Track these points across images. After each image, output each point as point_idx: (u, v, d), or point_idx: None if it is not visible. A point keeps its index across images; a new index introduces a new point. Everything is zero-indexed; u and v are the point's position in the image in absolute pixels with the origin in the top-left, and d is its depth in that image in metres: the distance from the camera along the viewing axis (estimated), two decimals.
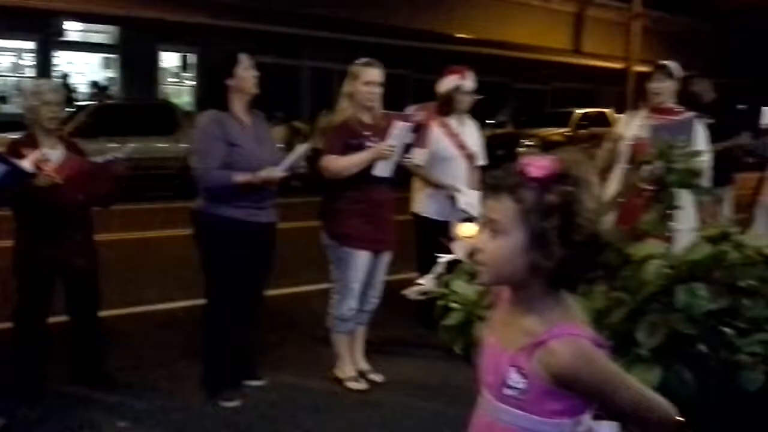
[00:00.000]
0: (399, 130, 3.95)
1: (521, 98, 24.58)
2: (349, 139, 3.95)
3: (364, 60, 4.05)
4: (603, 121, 18.00)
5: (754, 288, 1.74)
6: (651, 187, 1.97)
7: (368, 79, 3.96)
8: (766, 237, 2.09)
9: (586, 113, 19.70)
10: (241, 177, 3.65)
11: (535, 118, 21.33)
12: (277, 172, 3.71)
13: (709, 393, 1.66)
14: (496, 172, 1.37)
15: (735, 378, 1.64)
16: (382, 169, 3.96)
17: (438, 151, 4.81)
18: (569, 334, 1.32)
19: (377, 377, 4.20)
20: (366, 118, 4.01)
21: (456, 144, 4.87)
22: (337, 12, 18.24)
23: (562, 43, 25.45)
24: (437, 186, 4.85)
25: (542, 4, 24.85)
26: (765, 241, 1.86)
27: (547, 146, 18.79)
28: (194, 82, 18.66)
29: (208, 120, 3.76)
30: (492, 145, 21.64)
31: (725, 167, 5.38)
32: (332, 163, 3.94)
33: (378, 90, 4.00)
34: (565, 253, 1.30)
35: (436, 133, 4.85)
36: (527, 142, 18.53)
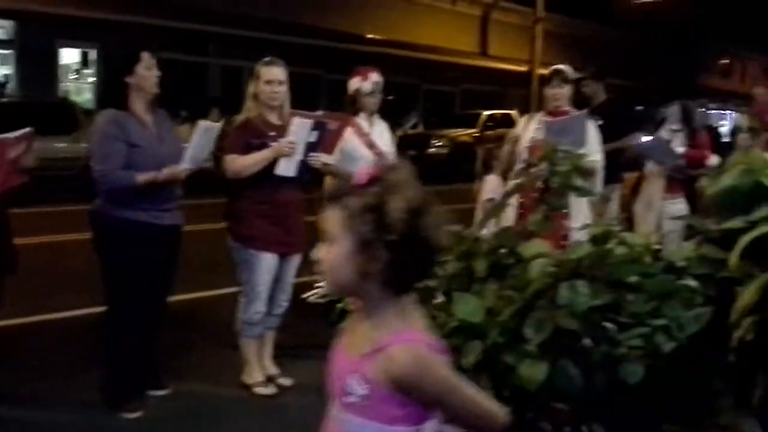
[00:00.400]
0: (297, 126, 3.91)
1: (431, 99, 24.96)
2: (251, 138, 3.91)
3: (266, 59, 4.03)
4: (509, 122, 18.48)
5: (636, 284, 1.85)
6: (538, 189, 2.06)
7: (269, 77, 3.95)
8: (649, 233, 2.22)
9: (492, 115, 20.24)
10: (143, 177, 3.56)
11: (444, 119, 21.75)
12: (181, 168, 3.63)
13: (593, 386, 1.75)
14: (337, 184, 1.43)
15: (617, 371, 1.74)
16: (285, 168, 3.92)
17: (348, 150, 4.83)
18: (407, 341, 1.35)
19: (286, 381, 4.19)
20: (272, 118, 3.99)
21: (366, 143, 4.90)
22: (248, 9, 17.99)
23: (469, 45, 25.96)
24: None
25: (449, 7, 25.29)
26: (645, 238, 1.98)
27: (456, 147, 19.37)
28: (95, 79, 17.97)
29: (106, 120, 3.65)
30: (403, 145, 21.94)
31: (615, 167, 5.65)
32: (233, 163, 3.90)
33: (281, 89, 3.97)
34: (389, 257, 1.33)
35: (346, 132, 4.88)
36: (437, 143, 18.91)
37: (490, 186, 5.21)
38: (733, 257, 1.97)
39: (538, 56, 21.06)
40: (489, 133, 18.90)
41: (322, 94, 20.04)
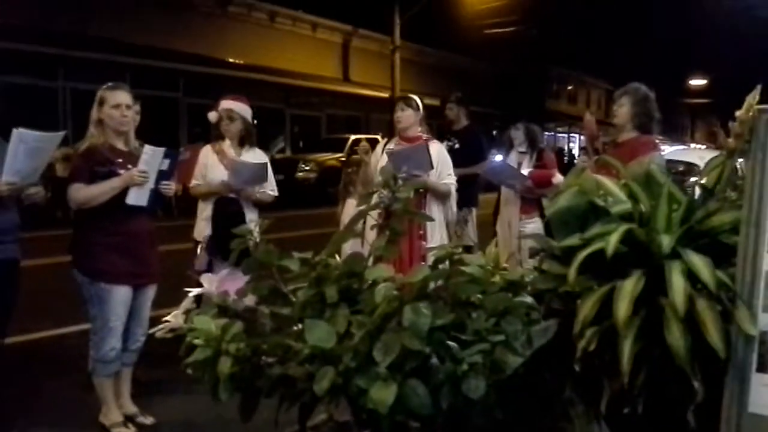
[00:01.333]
0: (149, 155, 3.78)
1: (297, 124, 25.00)
2: (97, 166, 3.73)
3: (110, 84, 3.88)
4: (375, 146, 18.84)
5: (478, 302, 1.91)
6: (381, 214, 2.10)
7: (117, 101, 3.79)
8: (503, 253, 2.30)
9: (358, 139, 20.52)
10: None
11: (311, 144, 21.85)
12: (1, 181, 3.35)
13: (440, 403, 1.78)
14: None
15: (461, 387, 1.78)
16: (136, 198, 3.75)
17: (212, 176, 4.74)
18: None
19: (147, 420, 4.00)
20: (119, 144, 3.83)
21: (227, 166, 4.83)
22: (102, 31, 17.27)
23: (331, 71, 26.27)
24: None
25: (310, 34, 25.51)
26: (488, 258, 2.05)
27: (324, 171, 19.50)
28: None
29: None
30: (272, 170, 21.52)
31: (471, 189, 5.87)
32: (78, 192, 3.69)
33: (129, 113, 3.83)
34: None
35: (210, 159, 4.81)
36: (305, 167, 18.95)
37: (350, 209, 5.28)
38: (572, 272, 2.08)
39: (397, 83, 21.61)
40: (355, 157, 19.11)
41: (182, 117, 19.54)
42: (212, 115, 4.86)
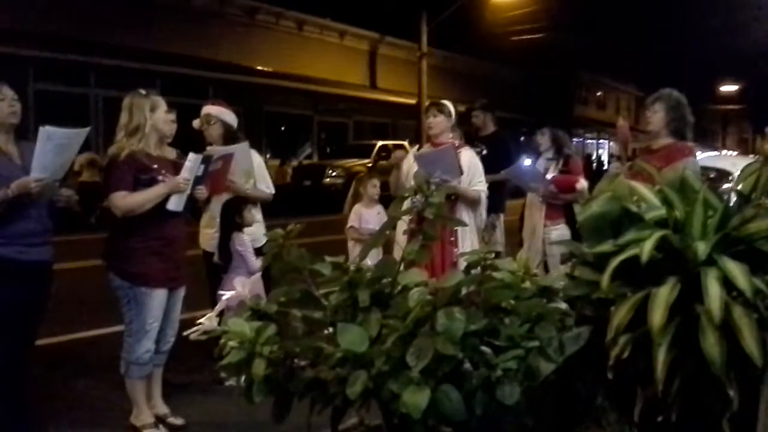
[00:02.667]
0: (192, 162, 3.85)
1: (324, 131, 25.13)
2: (140, 173, 3.78)
3: (146, 91, 3.94)
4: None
5: (511, 308, 1.91)
6: (413, 219, 2.10)
7: (167, 109, 3.89)
8: (533, 259, 2.30)
9: (385, 145, 20.60)
10: None
11: (338, 150, 21.95)
12: (30, 179, 3.39)
13: (474, 409, 1.78)
14: None
15: (495, 393, 1.77)
16: (176, 204, 3.82)
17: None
18: None
19: (177, 421, 4.05)
20: (155, 151, 3.89)
21: None
22: (131, 40, 17.53)
23: (358, 78, 26.38)
24: None
25: (338, 41, 25.65)
26: (520, 263, 2.05)
27: (351, 177, 19.56)
28: None
29: None
30: (299, 176, 21.65)
31: (499, 195, 5.83)
32: (125, 200, 3.74)
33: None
34: None
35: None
36: (332, 173, 19.06)
37: (355, 215, 5.33)
38: (605, 279, 2.06)
39: (424, 89, 21.62)
40: (383, 162, 19.23)
41: None
42: (196, 122, 5.00)
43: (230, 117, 5.00)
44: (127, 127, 3.83)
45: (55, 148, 3.44)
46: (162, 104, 3.88)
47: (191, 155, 3.89)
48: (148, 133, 3.81)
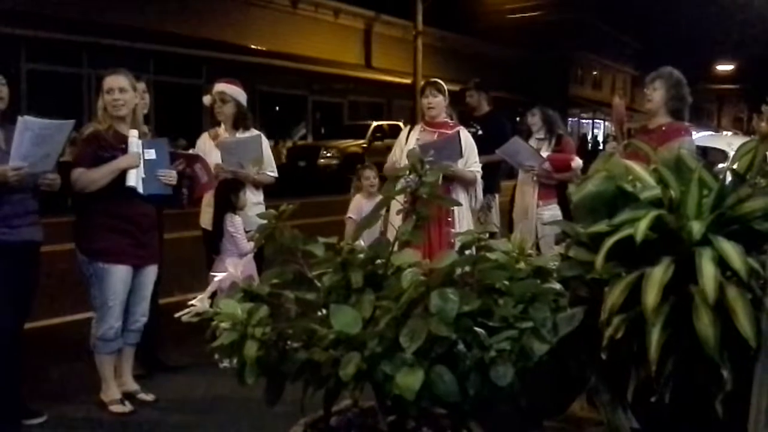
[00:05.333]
0: (132, 140, 3.84)
1: (319, 111, 25.01)
2: (101, 151, 3.78)
3: (110, 69, 3.92)
4: (397, 132, 18.77)
5: (505, 289, 1.90)
6: (407, 199, 2.09)
7: (108, 86, 3.85)
8: (527, 239, 2.28)
9: (380, 125, 20.51)
10: None
11: (333, 131, 21.84)
12: (7, 167, 3.37)
13: (467, 390, 1.78)
14: None
15: (489, 374, 1.77)
16: (133, 180, 3.79)
17: (209, 162, 4.76)
18: None
19: (147, 397, 4.07)
20: (124, 129, 3.87)
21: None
22: (124, 19, 17.37)
23: (353, 57, 26.19)
24: None
25: (332, 20, 25.44)
26: (514, 244, 2.04)
27: (346, 157, 19.51)
28: None
29: None
30: (293, 156, 21.53)
31: (493, 176, 5.79)
32: (81, 176, 3.75)
33: (122, 96, 3.83)
34: None
35: (208, 145, 4.87)
36: (327, 154, 18.98)
37: (355, 206, 5.31)
38: (599, 259, 2.06)
39: (419, 69, 21.49)
40: (378, 143, 19.14)
41: (201, 103, 19.62)
42: (206, 99, 4.95)
43: (243, 97, 4.99)
44: (99, 106, 3.88)
45: (34, 138, 3.41)
46: (105, 83, 3.85)
47: (132, 132, 3.86)
48: (100, 113, 3.85)
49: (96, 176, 3.75)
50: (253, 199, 4.86)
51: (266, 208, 2.19)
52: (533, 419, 2.35)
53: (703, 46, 38.97)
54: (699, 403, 2.03)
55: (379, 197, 5.30)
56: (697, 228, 2.00)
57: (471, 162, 4.72)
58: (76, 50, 16.73)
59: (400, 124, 19.40)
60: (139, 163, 3.81)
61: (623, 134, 4.09)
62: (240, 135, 4.90)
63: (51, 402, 3.97)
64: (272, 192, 5.18)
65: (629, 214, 2.10)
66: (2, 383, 3.58)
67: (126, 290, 3.88)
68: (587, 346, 2.14)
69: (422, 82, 4.98)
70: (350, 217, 5.32)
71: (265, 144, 5.03)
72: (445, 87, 4.86)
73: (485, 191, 5.18)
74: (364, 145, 19.39)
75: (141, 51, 16.51)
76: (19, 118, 3.39)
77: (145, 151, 3.86)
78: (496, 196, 6.08)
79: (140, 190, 3.81)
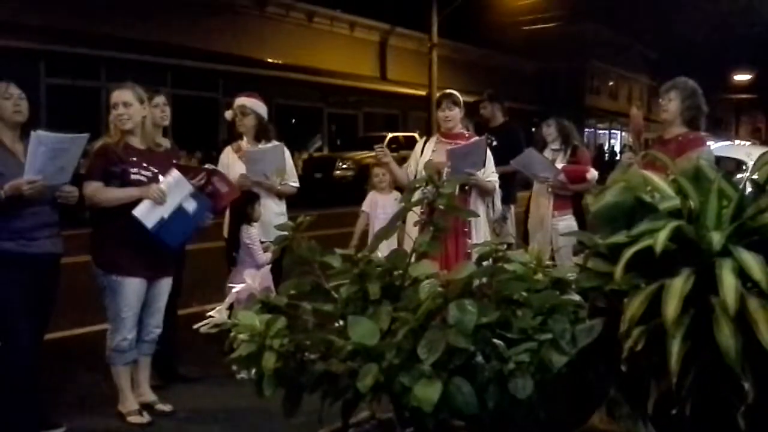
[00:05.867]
0: (173, 181, 3.83)
1: (334, 123, 25.10)
2: (110, 165, 3.81)
3: (116, 84, 3.97)
4: (413, 144, 18.73)
5: (524, 300, 1.89)
6: (424, 210, 2.09)
7: (113, 101, 3.90)
8: (543, 250, 2.27)
9: (395, 137, 20.54)
10: None
11: (348, 142, 21.90)
12: (22, 180, 3.41)
13: (486, 402, 1.77)
14: None
15: (508, 386, 1.76)
16: (144, 213, 3.73)
17: (233, 174, 4.79)
18: None
19: (165, 407, 4.08)
20: (135, 142, 3.90)
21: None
22: (142, 34, 17.56)
23: (368, 70, 26.29)
24: None
25: (348, 33, 25.58)
26: (533, 255, 2.03)
27: (361, 169, 19.52)
28: None
29: None
30: (309, 168, 21.60)
31: (508, 187, 5.77)
32: (96, 192, 3.78)
33: (126, 111, 3.85)
34: None
35: (231, 158, 4.92)
36: (343, 166, 19.02)
37: (370, 201, 5.38)
38: (618, 270, 2.04)
39: (435, 81, 21.53)
40: (393, 155, 19.13)
41: (221, 117, 19.77)
42: (228, 114, 5.03)
43: (263, 110, 5.08)
44: (110, 120, 3.91)
45: (48, 152, 3.45)
46: (111, 98, 3.89)
47: (175, 172, 3.87)
48: (111, 127, 3.88)
49: (111, 197, 3.78)
50: (276, 210, 4.90)
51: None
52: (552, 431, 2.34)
53: (720, 55, 38.72)
54: (720, 415, 2.01)
55: (392, 192, 5.37)
56: (717, 239, 1.99)
57: (489, 172, 4.72)
58: (94, 64, 16.92)
59: (416, 135, 19.41)
60: (164, 201, 3.78)
61: (641, 144, 4.08)
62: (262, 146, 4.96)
63: (70, 413, 4.00)
64: (289, 203, 5.21)
65: (648, 224, 2.08)
66: (22, 394, 3.61)
67: (140, 302, 3.90)
68: (606, 358, 2.12)
69: (438, 94, 5.00)
70: (363, 211, 5.37)
71: (287, 154, 5.08)
72: (461, 99, 4.87)
73: (501, 202, 5.17)
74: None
75: (159, 65, 16.68)
76: (32, 133, 3.43)
77: (186, 201, 3.86)
78: (512, 207, 6.07)
79: (148, 226, 3.75)
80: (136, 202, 3.77)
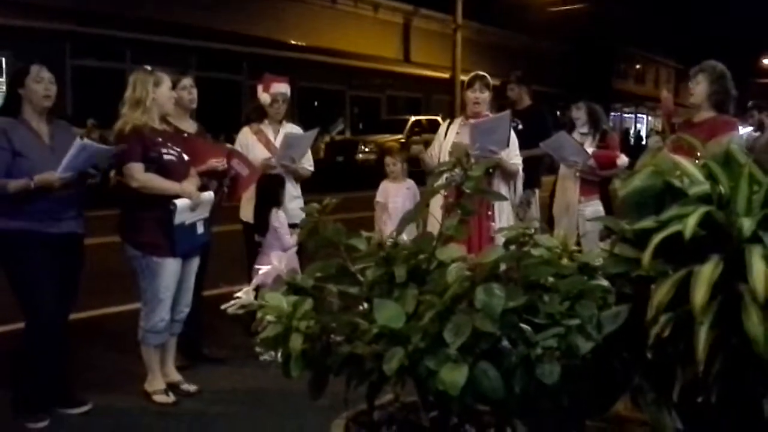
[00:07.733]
0: (209, 195, 4.07)
1: (357, 106, 25.07)
2: (147, 148, 3.85)
3: (150, 67, 4.00)
4: (436, 127, 18.68)
5: (551, 285, 1.88)
6: (450, 193, 2.08)
7: (187, 83, 3.93)
8: (566, 235, 2.25)
9: (418, 120, 20.47)
10: (14, 184, 3.46)
11: (371, 125, 21.87)
12: (55, 176, 3.50)
13: (513, 388, 1.76)
14: None
15: (534, 372, 1.76)
16: (181, 209, 3.88)
17: (253, 157, 4.81)
18: None
19: (191, 387, 4.15)
20: (159, 125, 3.93)
21: (269, 150, 4.91)
22: (166, 15, 17.63)
23: (392, 52, 26.19)
24: None
25: (371, 15, 25.46)
26: (560, 240, 2.01)
27: (384, 152, 19.45)
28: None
29: None
30: (331, 151, 21.68)
31: (534, 171, 5.73)
32: (144, 175, 3.82)
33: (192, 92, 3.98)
34: None
35: (250, 140, 4.92)
36: (365, 149, 19.01)
37: (381, 190, 5.37)
38: (646, 256, 2.02)
39: (458, 63, 21.38)
40: (416, 138, 19.11)
41: (245, 100, 19.83)
42: (265, 97, 4.97)
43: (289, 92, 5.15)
44: (130, 100, 3.89)
45: (88, 157, 3.59)
46: (166, 81, 3.92)
47: (206, 195, 4.08)
48: (149, 107, 3.86)
49: (155, 185, 3.84)
50: (294, 193, 4.93)
51: (305, 204, 2.21)
52: (575, 418, 2.33)
53: (750, 39, 37.99)
54: (748, 403, 1.99)
55: (404, 181, 5.37)
56: (747, 225, 1.96)
57: (512, 155, 4.68)
58: (120, 46, 17.04)
59: (439, 118, 19.34)
60: (198, 200, 3.97)
61: (671, 128, 4.03)
62: (284, 130, 4.96)
63: (96, 391, 4.07)
64: (311, 187, 5.23)
65: (677, 210, 2.05)
66: (49, 372, 3.68)
67: (176, 283, 3.95)
68: (632, 345, 2.11)
69: (470, 75, 4.94)
70: (378, 202, 5.36)
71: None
72: (490, 82, 4.83)
73: (525, 186, 5.14)
74: (402, 140, 19.37)
75: (183, 47, 16.76)
76: (78, 141, 3.55)
77: (200, 222, 4.06)
78: (536, 191, 6.03)
79: (176, 221, 3.91)
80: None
